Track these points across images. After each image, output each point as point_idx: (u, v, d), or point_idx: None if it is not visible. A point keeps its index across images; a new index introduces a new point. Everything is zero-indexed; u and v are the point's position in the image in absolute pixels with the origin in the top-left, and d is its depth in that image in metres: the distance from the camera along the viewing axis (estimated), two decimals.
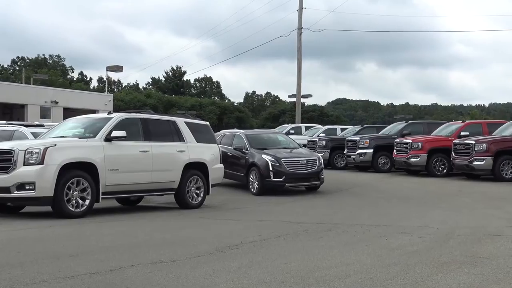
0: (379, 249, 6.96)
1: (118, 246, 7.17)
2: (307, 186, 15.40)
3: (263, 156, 15.03)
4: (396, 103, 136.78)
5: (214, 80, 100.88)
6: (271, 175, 14.63)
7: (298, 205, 12.38)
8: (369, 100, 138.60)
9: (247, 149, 15.80)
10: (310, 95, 53.78)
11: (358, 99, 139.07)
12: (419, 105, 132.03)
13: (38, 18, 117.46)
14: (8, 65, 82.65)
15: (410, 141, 20.50)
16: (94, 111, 33.76)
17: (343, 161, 24.53)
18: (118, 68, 47.83)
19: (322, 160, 15.56)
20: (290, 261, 6.23)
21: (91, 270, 5.77)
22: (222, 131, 19.45)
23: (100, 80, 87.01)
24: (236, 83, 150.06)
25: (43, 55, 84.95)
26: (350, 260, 6.29)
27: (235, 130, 18.67)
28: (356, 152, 22.53)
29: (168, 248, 7.03)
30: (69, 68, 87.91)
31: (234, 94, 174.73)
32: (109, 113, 11.74)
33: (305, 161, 15.03)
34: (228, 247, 7.05)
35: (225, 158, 15.06)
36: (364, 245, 7.22)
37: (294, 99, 44.30)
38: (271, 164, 14.71)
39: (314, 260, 6.27)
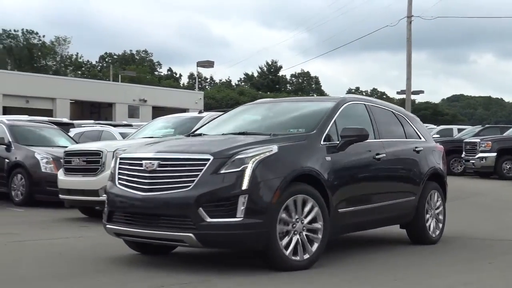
0: (506, 268, 6.67)
1: None
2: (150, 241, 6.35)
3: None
4: None
5: (312, 75, 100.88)
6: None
7: None
8: (491, 96, 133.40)
9: None
10: (421, 91, 52.70)
11: (477, 95, 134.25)
12: None
13: (123, 13, 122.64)
14: (96, 62, 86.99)
15: None
16: (183, 110, 34.73)
17: (461, 166, 23.75)
18: (209, 64, 48.88)
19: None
20: (402, 277, 6.11)
21: None
22: None
23: (190, 76, 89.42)
24: (335, 79, 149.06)
25: (130, 50, 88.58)
26: (470, 279, 6.08)
27: None
28: (476, 156, 21.70)
29: None
30: (156, 63, 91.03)
31: (335, 90, 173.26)
32: (200, 112, 12.02)
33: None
34: None
35: None
36: (486, 262, 6.97)
37: (403, 96, 43.46)
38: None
39: (429, 277, 6.11)
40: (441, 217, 8.44)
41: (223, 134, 7.09)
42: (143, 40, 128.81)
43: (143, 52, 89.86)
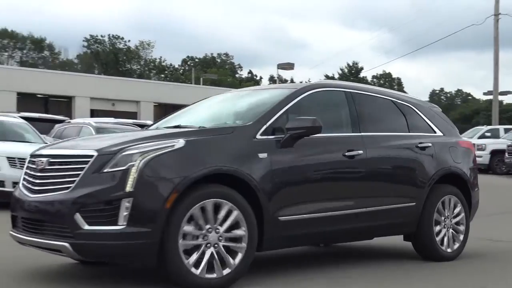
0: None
1: None
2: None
3: None
4: None
5: (394, 76, 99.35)
6: None
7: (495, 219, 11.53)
8: None
9: None
10: (509, 92, 50.85)
11: None
12: None
13: (204, 17, 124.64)
14: (178, 65, 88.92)
15: None
16: None
17: None
18: (289, 66, 48.85)
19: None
20: None
21: None
22: None
23: (271, 78, 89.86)
24: (418, 80, 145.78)
25: (211, 54, 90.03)
26: None
27: None
28: None
29: None
30: (237, 66, 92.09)
31: (418, 91, 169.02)
32: None
33: None
34: None
35: None
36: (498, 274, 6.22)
37: (489, 97, 42.13)
38: None
39: None
40: (461, 227, 6.95)
41: (157, 128, 6.31)
42: (224, 43, 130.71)
43: (224, 55, 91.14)
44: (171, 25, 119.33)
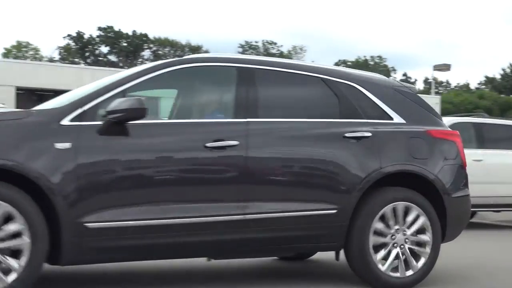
0: None
1: None
2: None
3: None
4: None
5: None
6: None
7: None
8: None
9: None
10: None
11: None
12: None
13: (354, 19, 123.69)
14: None
15: None
16: None
17: None
18: (445, 67, 47.30)
19: None
20: None
21: None
22: None
23: (425, 81, 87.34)
24: None
25: (364, 56, 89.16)
26: None
27: None
28: None
29: None
30: (391, 69, 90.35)
31: None
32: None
33: None
34: None
35: None
36: None
37: None
38: None
39: None
40: (425, 237, 5.29)
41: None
42: (377, 46, 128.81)
43: (377, 58, 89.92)
44: (322, 29, 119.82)
